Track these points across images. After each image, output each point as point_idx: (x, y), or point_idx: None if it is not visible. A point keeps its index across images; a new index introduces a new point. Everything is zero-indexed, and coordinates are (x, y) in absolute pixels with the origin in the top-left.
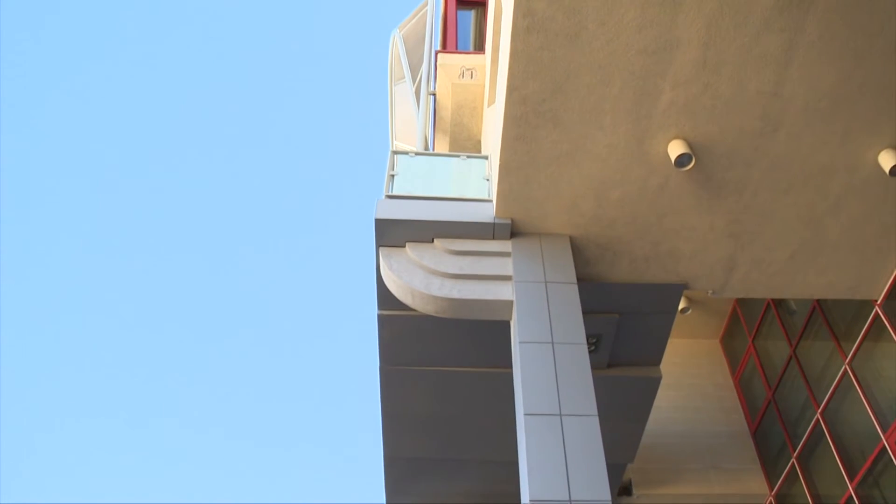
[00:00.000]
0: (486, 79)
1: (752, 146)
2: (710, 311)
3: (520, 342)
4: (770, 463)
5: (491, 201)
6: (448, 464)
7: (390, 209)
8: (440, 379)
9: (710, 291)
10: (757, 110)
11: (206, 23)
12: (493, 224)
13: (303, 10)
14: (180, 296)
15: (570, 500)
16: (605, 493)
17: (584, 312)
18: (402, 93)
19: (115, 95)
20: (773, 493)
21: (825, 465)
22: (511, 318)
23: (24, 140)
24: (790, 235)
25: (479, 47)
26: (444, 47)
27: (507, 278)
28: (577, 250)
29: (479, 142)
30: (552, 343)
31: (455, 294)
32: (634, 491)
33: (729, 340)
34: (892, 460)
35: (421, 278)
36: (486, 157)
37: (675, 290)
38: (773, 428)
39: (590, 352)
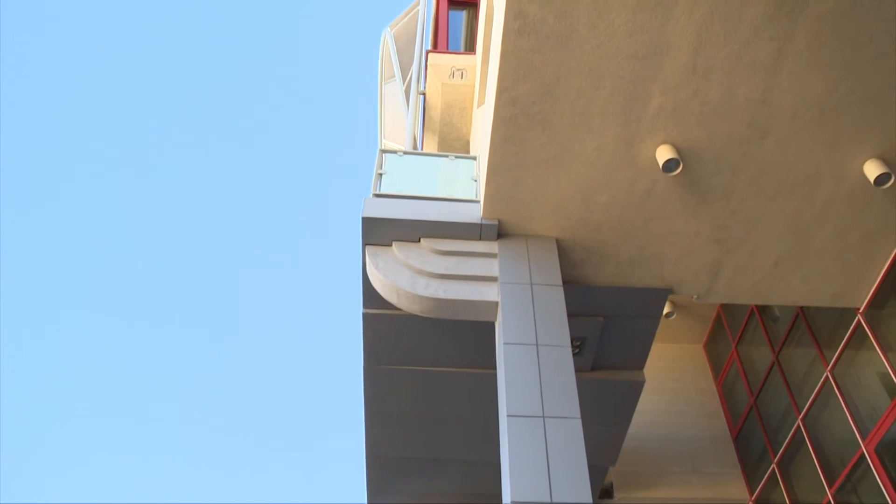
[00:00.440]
0: (476, 79)
1: (739, 153)
2: (694, 316)
3: (504, 343)
4: (751, 468)
5: (478, 202)
6: (430, 464)
7: (377, 208)
8: (424, 378)
9: (695, 296)
10: (745, 117)
11: (200, 19)
12: (480, 225)
13: (294, 8)
14: (170, 291)
15: (551, 502)
16: (586, 495)
17: (569, 315)
18: (392, 92)
19: (109, 94)
20: (752, 499)
21: (805, 471)
22: (496, 320)
23: (22, 138)
24: (775, 242)
25: (470, 48)
26: (435, 47)
27: (492, 279)
28: (564, 253)
29: (468, 142)
30: (536, 345)
31: (441, 294)
32: (616, 494)
33: (712, 346)
34: (870, 467)
35: (407, 278)
36: (474, 158)
37: (659, 295)
38: (754, 433)
39: (574, 354)
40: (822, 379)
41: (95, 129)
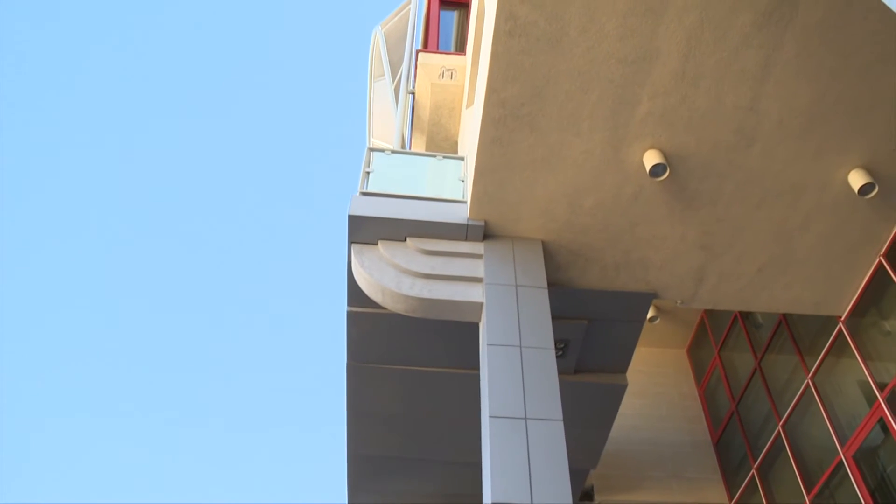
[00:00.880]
0: (465, 80)
1: (726, 159)
2: (678, 321)
3: (488, 344)
4: (730, 473)
5: (465, 203)
6: (412, 463)
7: (364, 206)
8: (407, 378)
9: (679, 301)
10: (733, 124)
11: (191, 16)
12: (467, 225)
13: (286, 5)
14: (159, 286)
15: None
16: (567, 497)
17: (554, 317)
18: (382, 90)
19: (101, 91)
20: None
21: (784, 477)
22: (480, 320)
23: (20, 134)
24: (760, 249)
25: (461, 48)
26: (426, 46)
27: (477, 280)
28: (549, 255)
29: (456, 143)
30: (520, 347)
31: (426, 294)
32: (596, 497)
33: (695, 351)
34: (848, 474)
35: (392, 276)
36: (462, 159)
37: (644, 299)
38: (734, 439)
39: (557, 357)
40: (803, 386)
41: (89, 127)
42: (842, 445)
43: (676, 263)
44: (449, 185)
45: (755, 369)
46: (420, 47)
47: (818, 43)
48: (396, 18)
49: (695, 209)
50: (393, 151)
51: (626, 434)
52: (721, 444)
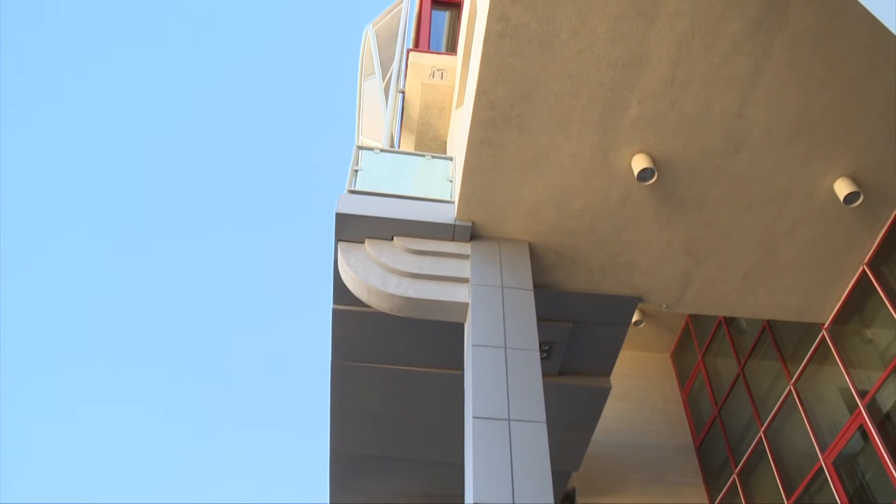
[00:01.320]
0: (456, 80)
1: (714, 165)
2: (662, 326)
3: (473, 345)
4: (712, 477)
5: (453, 203)
6: (395, 463)
7: (352, 204)
8: (392, 377)
9: (664, 306)
10: (721, 130)
11: (182, 13)
12: (454, 226)
13: (279, 2)
14: (146, 282)
15: None
16: (548, 499)
17: (539, 319)
18: (372, 88)
19: (90, 89)
20: None
21: (764, 482)
22: (466, 321)
23: (18, 131)
24: (745, 255)
25: (452, 48)
26: (417, 46)
27: (464, 280)
28: (536, 257)
29: (445, 143)
30: (505, 348)
31: (411, 293)
32: (578, 499)
33: (679, 355)
34: (827, 480)
35: (378, 275)
36: (450, 159)
37: (629, 303)
38: (716, 443)
39: (542, 359)
40: (785, 392)
41: (81, 125)
42: (822, 452)
43: (662, 268)
44: (437, 185)
45: (738, 375)
46: (411, 46)
47: (807, 52)
48: (388, 17)
49: (682, 214)
50: (382, 150)
51: (609, 437)
52: (703, 449)
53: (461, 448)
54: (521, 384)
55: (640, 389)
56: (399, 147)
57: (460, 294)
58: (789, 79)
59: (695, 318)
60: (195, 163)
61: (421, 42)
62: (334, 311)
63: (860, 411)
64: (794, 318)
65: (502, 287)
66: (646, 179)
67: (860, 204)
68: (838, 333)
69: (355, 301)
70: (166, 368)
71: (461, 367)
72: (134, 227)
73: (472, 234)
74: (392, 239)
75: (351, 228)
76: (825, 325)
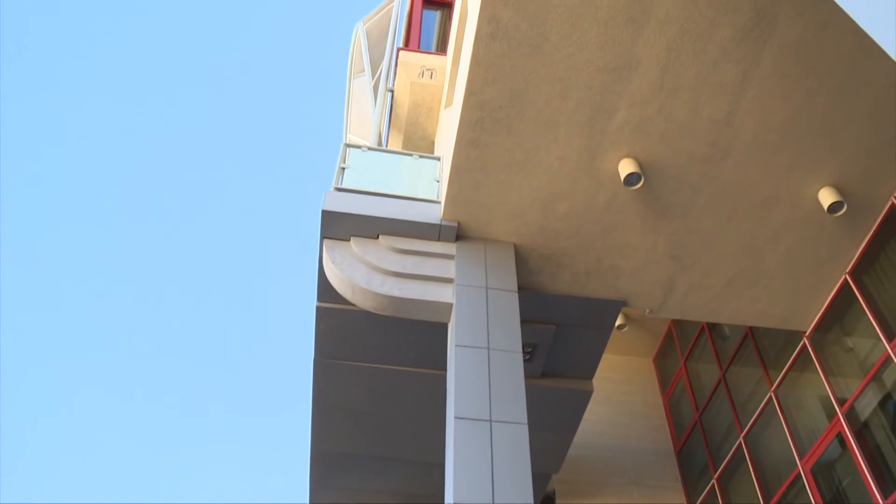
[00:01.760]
0: (445, 80)
1: (700, 171)
2: (645, 330)
3: (456, 345)
4: (691, 482)
5: (439, 203)
6: (375, 461)
7: (338, 202)
8: (374, 376)
9: (648, 310)
10: (708, 137)
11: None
12: (440, 226)
13: None
14: (128, 274)
15: None
16: (528, 500)
17: (522, 321)
18: (361, 86)
19: (71, 87)
20: None
21: (743, 488)
22: (449, 321)
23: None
24: (729, 262)
25: (442, 48)
26: (407, 45)
27: (448, 281)
28: (521, 259)
29: (433, 142)
30: (488, 349)
31: (396, 292)
32: (557, 501)
33: (662, 360)
34: (805, 486)
35: (363, 274)
36: (438, 159)
37: (613, 307)
38: (697, 448)
39: (525, 360)
40: (766, 399)
41: (65, 121)
42: (800, 458)
43: (646, 272)
44: (424, 184)
45: (720, 380)
46: (401, 45)
47: (795, 61)
48: (379, 15)
49: (667, 219)
50: (369, 148)
51: (590, 440)
52: (683, 454)
53: (442, 448)
54: (503, 385)
55: (621, 393)
56: (387, 146)
57: (444, 294)
58: (777, 87)
59: (678, 324)
60: (186, 158)
61: (411, 41)
62: (318, 309)
63: (839, 419)
64: (776, 325)
65: (487, 288)
66: (632, 184)
67: (844, 213)
68: (819, 341)
69: (340, 299)
70: (158, 364)
71: (444, 368)
72: (126, 222)
73: (458, 235)
74: (378, 237)
75: (337, 226)
76: (807, 333)
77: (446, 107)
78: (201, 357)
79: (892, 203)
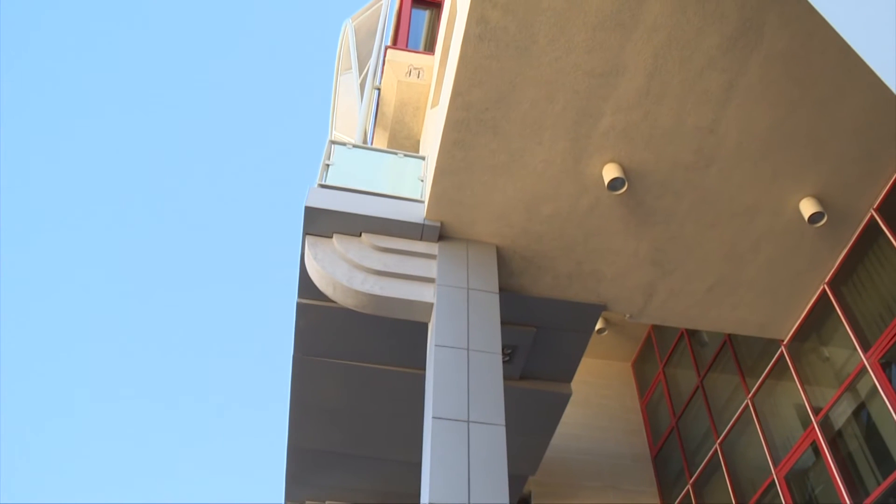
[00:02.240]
0: (432, 80)
1: (683, 178)
2: (625, 335)
3: (435, 345)
4: (666, 487)
5: (423, 202)
6: (352, 459)
7: (321, 198)
8: (353, 374)
9: (628, 315)
10: (692, 144)
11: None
12: (423, 225)
13: None
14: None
15: None
16: (504, 502)
17: (503, 322)
18: (347, 83)
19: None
20: None
21: (718, 493)
22: (430, 321)
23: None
24: (710, 269)
25: (430, 48)
26: (395, 43)
27: (430, 280)
28: (503, 260)
29: (418, 142)
30: (468, 349)
31: (377, 290)
32: (533, 503)
33: (640, 365)
34: (778, 494)
35: (344, 271)
36: (423, 158)
37: (593, 311)
38: (673, 454)
39: (504, 362)
40: (742, 406)
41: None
42: (775, 466)
43: (628, 277)
44: (408, 183)
45: (697, 387)
46: (389, 44)
47: (780, 71)
48: (368, 13)
49: (649, 225)
50: (354, 146)
51: (567, 443)
52: (659, 458)
53: (419, 447)
54: (481, 386)
55: (599, 397)
56: (372, 144)
57: (426, 294)
58: (762, 97)
59: (657, 329)
60: (173, 153)
61: (399, 40)
62: (299, 305)
63: (813, 427)
64: (755, 333)
65: (468, 289)
66: (616, 189)
67: (824, 224)
68: (796, 350)
69: (320, 296)
70: (155, 362)
71: (423, 367)
72: (116, 218)
73: (441, 235)
74: (360, 235)
75: (319, 222)
76: (784, 342)
77: (432, 107)
78: (196, 354)
79: (872, 215)
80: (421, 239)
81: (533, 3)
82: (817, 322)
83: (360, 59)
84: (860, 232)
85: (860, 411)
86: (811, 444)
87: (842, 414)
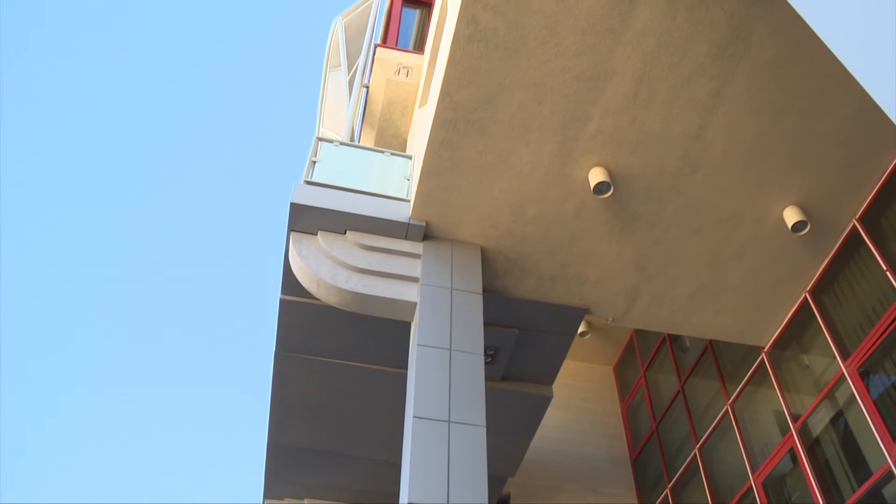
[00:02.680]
0: (421, 79)
1: (669, 184)
2: (607, 338)
3: (418, 345)
4: (645, 491)
5: (408, 201)
6: (332, 457)
7: (307, 195)
8: (335, 371)
9: (611, 319)
10: (679, 150)
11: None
12: (408, 224)
13: None
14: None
15: None
16: (483, 502)
17: (486, 323)
18: (336, 81)
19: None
20: None
21: (696, 498)
22: (413, 320)
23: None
24: (693, 275)
25: (419, 47)
26: (385, 42)
27: (413, 280)
28: (487, 261)
29: (405, 141)
30: (450, 350)
31: (360, 288)
32: None
33: (622, 369)
34: (756, 500)
35: (328, 268)
36: (409, 157)
37: (576, 314)
38: (652, 458)
39: (486, 363)
40: (722, 412)
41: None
42: (753, 472)
43: (611, 281)
44: (394, 182)
45: (678, 392)
46: (379, 42)
47: (767, 80)
48: (358, 10)
49: (634, 230)
50: (341, 143)
51: (547, 445)
52: (638, 462)
53: (400, 447)
54: (463, 387)
55: (581, 400)
56: (359, 142)
57: (409, 293)
58: (748, 105)
59: (640, 333)
60: (161, 148)
61: (389, 38)
62: (282, 301)
63: (792, 434)
64: (736, 339)
65: (452, 289)
66: (602, 193)
67: (807, 233)
68: (777, 357)
69: (304, 293)
70: (151, 361)
71: (405, 366)
72: (107, 214)
73: (426, 234)
74: (345, 233)
75: (305, 219)
76: (765, 349)
77: (420, 106)
78: (194, 349)
79: (854, 225)
80: (406, 238)
81: (524, 5)
82: (798, 330)
83: (349, 57)
84: (842, 241)
85: (838, 419)
86: (789, 451)
87: (820, 421)
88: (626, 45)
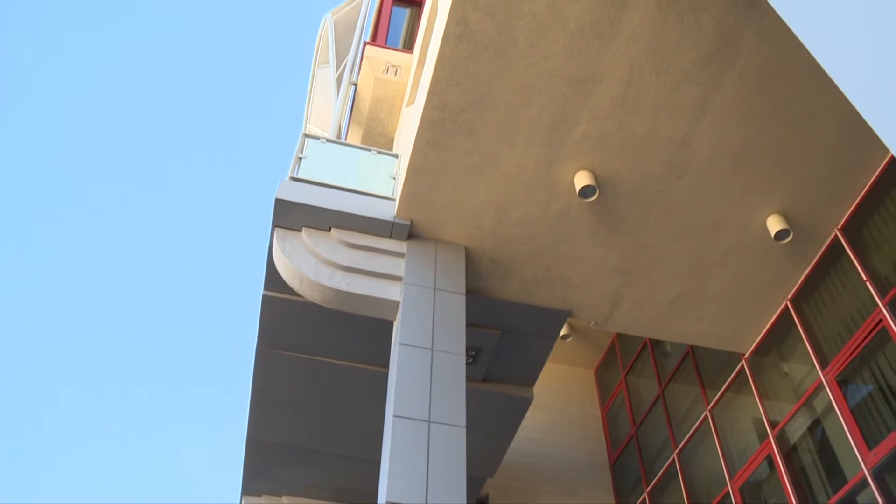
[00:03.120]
0: (409, 78)
1: (654, 189)
2: (589, 342)
3: (399, 344)
4: (623, 494)
5: (394, 200)
6: (312, 455)
7: (292, 191)
8: (317, 369)
9: (593, 322)
10: (664, 155)
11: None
12: (393, 223)
13: None
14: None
15: None
16: (461, 502)
17: (468, 324)
18: (324, 77)
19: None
20: None
21: (673, 502)
22: (395, 319)
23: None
24: (676, 281)
25: (408, 46)
26: (374, 40)
27: (397, 279)
28: (471, 262)
29: (392, 140)
30: (432, 349)
31: (343, 286)
32: None
33: (603, 372)
34: None
35: (312, 265)
36: (396, 156)
37: (559, 316)
38: (631, 461)
39: (467, 363)
40: (702, 417)
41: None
42: (730, 477)
43: (594, 285)
44: (380, 180)
45: (658, 396)
46: (368, 40)
47: (754, 89)
48: (348, 8)
49: (618, 234)
50: (328, 140)
51: (527, 447)
52: (617, 466)
53: (380, 445)
54: (444, 387)
55: (561, 402)
56: (346, 139)
57: (392, 292)
58: (735, 113)
59: (621, 337)
60: (147, 144)
61: (378, 36)
62: (264, 297)
63: (769, 441)
64: (717, 345)
65: (435, 289)
66: (587, 196)
67: (789, 241)
68: (757, 364)
69: (287, 289)
70: (147, 359)
71: (387, 365)
72: (99, 211)
73: (410, 234)
74: (329, 230)
75: (289, 215)
76: (745, 356)
77: (408, 105)
78: (191, 347)
79: (836, 235)
80: (390, 237)
81: (514, 7)
82: (778, 337)
83: (338, 54)
84: (824, 251)
85: (815, 427)
86: (766, 458)
87: (797, 429)
88: (615, 50)
